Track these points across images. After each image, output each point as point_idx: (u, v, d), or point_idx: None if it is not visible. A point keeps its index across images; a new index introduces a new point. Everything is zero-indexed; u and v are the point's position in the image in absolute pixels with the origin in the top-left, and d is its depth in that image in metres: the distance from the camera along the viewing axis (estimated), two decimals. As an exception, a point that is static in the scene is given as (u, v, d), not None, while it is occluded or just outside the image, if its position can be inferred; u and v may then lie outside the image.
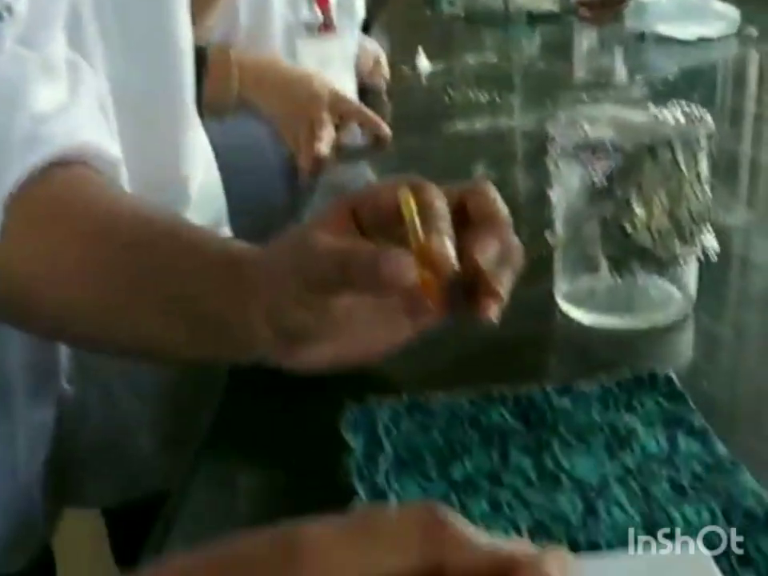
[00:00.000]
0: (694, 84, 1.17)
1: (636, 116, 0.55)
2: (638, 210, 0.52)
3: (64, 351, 0.64)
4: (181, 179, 0.70)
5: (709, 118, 0.54)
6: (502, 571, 0.24)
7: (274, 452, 0.46)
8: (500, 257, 0.47)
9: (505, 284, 0.47)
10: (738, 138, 0.97)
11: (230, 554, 0.24)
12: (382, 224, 0.45)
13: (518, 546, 0.25)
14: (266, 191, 1.02)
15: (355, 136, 0.99)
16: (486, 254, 0.44)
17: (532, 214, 0.75)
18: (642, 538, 0.38)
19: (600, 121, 0.55)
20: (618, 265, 0.54)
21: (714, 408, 0.48)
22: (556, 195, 0.57)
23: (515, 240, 0.48)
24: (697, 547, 0.37)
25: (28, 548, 0.64)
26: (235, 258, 0.51)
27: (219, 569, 0.24)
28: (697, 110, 0.55)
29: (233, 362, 0.54)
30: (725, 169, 0.87)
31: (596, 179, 0.52)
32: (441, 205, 0.44)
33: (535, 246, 0.67)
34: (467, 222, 0.46)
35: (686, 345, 0.57)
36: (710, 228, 0.55)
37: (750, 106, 1.12)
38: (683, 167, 0.52)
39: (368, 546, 0.24)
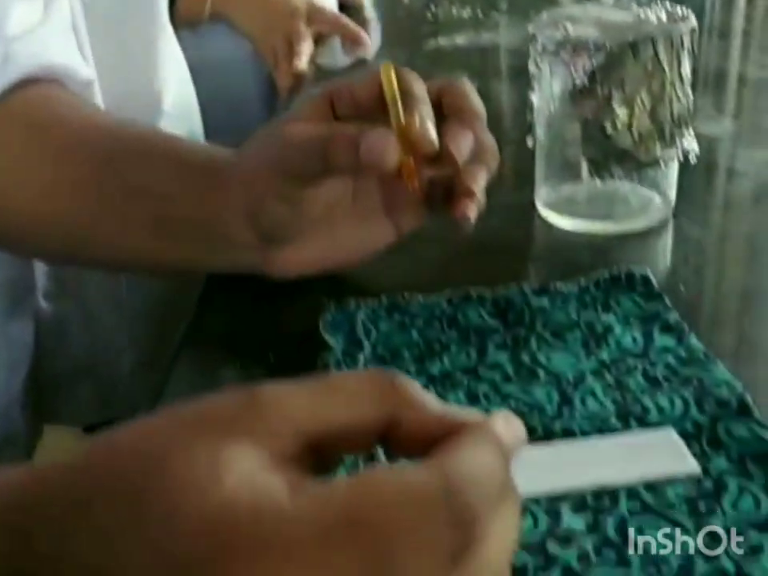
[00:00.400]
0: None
1: (619, 15, 0.54)
2: (620, 111, 0.52)
3: (40, 268, 0.64)
4: (154, 93, 0.69)
5: (692, 17, 0.53)
6: (453, 430, 0.24)
7: (252, 352, 0.47)
8: (474, 154, 0.46)
9: (479, 182, 0.47)
10: (725, 53, 0.96)
11: (194, 410, 0.24)
12: (359, 116, 0.45)
13: (470, 412, 0.26)
14: (243, 113, 1.00)
15: (335, 57, 0.97)
16: (460, 146, 0.43)
17: (514, 125, 0.75)
18: (616, 425, 0.38)
19: (582, 20, 0.54)
20: (598, 167, 0.54)
21: (691, 309, 0.48)
22: (537, 98, 0.56)
23: (490, 138, 0.48)
24: (667, 430, 0.38)
25: (9, 466, 0.65)
26: (211, 159, 0.51)
27: (184, 423, 0.24)
28: (680, 10, 0.54)
29: (212, 269, 0.53)
30: (712, 82, 0.86)
31: (577, 79, 0.52)
32: (421, 89, 0.43)
33: (516, 156, 0.66)
34: (442, 117, 0.45)
35: (664, 249, 0.57)
36: (692, 131, 0.55)
37: (739, 23, 1.11)
38: (665, 66, 0.51)
39: (325, 398, 0.24)
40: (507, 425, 0.25)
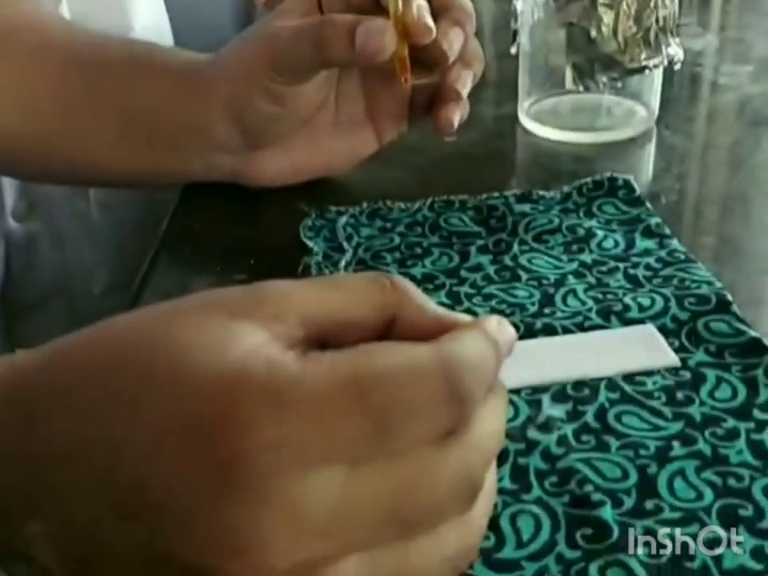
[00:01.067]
0: None
1: None
2: (605, 15, 0.51)
3: (9, 189, 0.62)
4: (125, 16, 0.67)
5: None
6: (449, 329, 0.25)
7: (230, 258, 0.46)
8: (462, 56, 0.46)
9: (465, 85, 0.46)
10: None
11: (199, 296, 0.24)
12: (350, 11, 0.44)
13: (465, 315, 0.27)
14: (217, 37, 0.97)
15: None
16: (452, 43, 0.43)
17: (497, 37, 0.74)
18: (597, 322, 0.39)
19: None
20: (583, 74, 0.53)
21: (673, 215, 0.48)
22: (521, 4, 0.55)
23: (477, 43, 0.47)
24: (647, 326, 0.38)
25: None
26: (192, 61, 0.50)
27: (192, 305, 0.24)
28: None
29: (191, 178, 0.53)
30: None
31: (562, -19, 0.51)
32: None
33: (500, 68, 0.65)
34: (433, 17, 0.45)
35: (647, 158, 0.57)
36: (677, 38, 0.54)
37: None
38: (651, -32, 0.50)
39: (329, 292, 0.25)
40: (500, 326, 0.26)
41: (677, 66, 0.54)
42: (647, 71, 0.53)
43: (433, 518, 0.23)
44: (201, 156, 0.50)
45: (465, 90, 0.47)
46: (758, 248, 0.45)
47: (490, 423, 0.25)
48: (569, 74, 0.54)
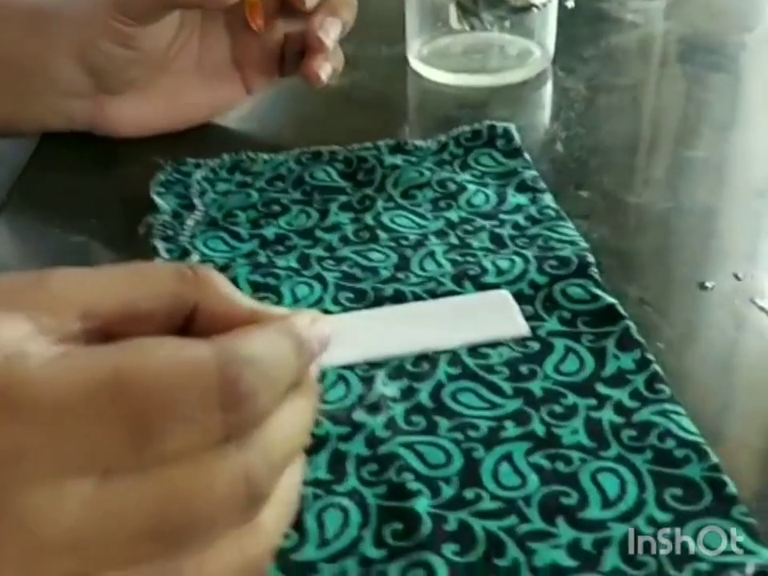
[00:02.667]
0: None
1: None
2: (485, -52, 0.47)
3: None
4: None
5: None
6: (253, 320, 0.23)
7: (73, 217, 0.43)
8: (326, 4, 0.44)
9: (330, 34, 0.44)
10: None
11: None
12: None
13: (277, 309, 0.25)
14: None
15: None
16: None
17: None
18: (450, 287, 0.36)
19: None
20: (466, 11, 0.50)
21: (560, 166, 0.46)
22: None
23: None
24: (501, 292, 0.35)
25: None
26: (39, 4, 0.46)
27: None
28: None
29: (40, 127, 0.49)
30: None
31: None
32: None
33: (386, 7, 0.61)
34: None
35: (542, 102, 0.54)
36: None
37: None
38: None
39: (121, 281, 0.23)
40: (312, 324, 0.24)
41: (569, 4, 0.51)
42: (535, 9, 0.50)
43: (206, 530, 0.21)
44: (52, 103, 0.47)
45: (329, 40, 0.44)
46: (640, 203, 0.43)
47: (287, 425, 0.23)
48: (453, 12, 0.50)
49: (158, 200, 0.42)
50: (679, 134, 0.50)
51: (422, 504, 0.27)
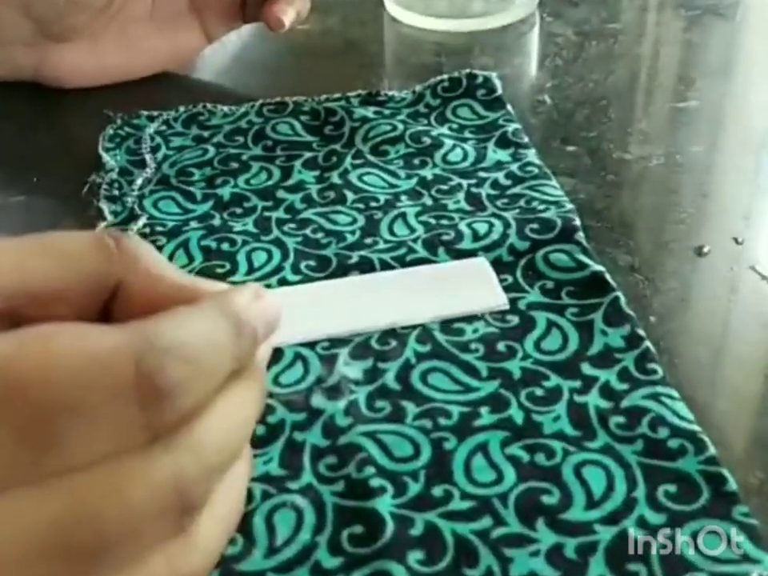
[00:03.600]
0: None
1: None
2: None
3: None
4: None
5: None
6: (186, 301, 0.20)
7: (16, 171, 0.39)
8: None
9: None
10: None
11: None
12: None
13: (214, 283, 0.21)
14: None
15: None
16: None
17: None
18: (423, 255, 0.33)
19: None
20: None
21: (545, 118, 0.42)
22: None
23: None
24: (479, 260, 0.32)
25: None
26: None
27: None
28: None
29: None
30: None
31: None
32: None
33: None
34: None
35: (526, 49, 0.50)
36: None
37: None
38: None
39: (33, 257, 0.20)
40: (255, 300, 0.21)
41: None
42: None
43: (127, 546, 0.18)
44: None
45: None
46: (631, 159, 0.39)
47: (225, 420, 0.20)
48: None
49: (105, 156, 0.38)
50: (674, 84, 0.46)
51: (385, 503, 0.24)
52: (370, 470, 0.25)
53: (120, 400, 0.18)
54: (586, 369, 0.28)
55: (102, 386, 0.17)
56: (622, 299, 0.30)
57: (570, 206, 0.34)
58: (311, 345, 0.29)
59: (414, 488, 0.24)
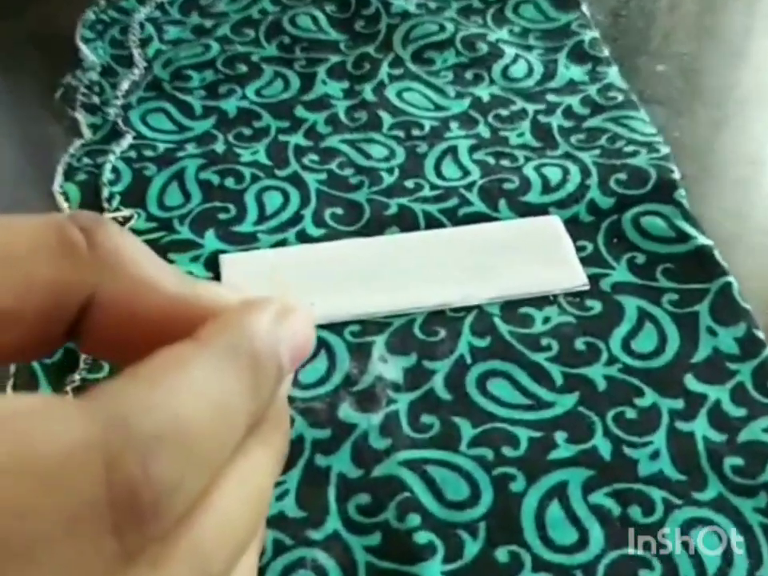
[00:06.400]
0: None
1: None
2: None
3: None
4: None
5: None
6: (180, 321, 0.13)
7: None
8: None
9: None
10: None
11: None
12: None
13: (208, 287, 0.14)
14: None
15: None
16: None
17: None
18: (478, 208, 0.26)
19: None
20: None
21: (634, 26, 0.34)
22: None
23: None
24: (549, 217, 0.25)
25: None
26: None
27: None
28: None
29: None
30: None
31: None
32: None
33: None
34: None
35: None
36: None
37: None
38: None
39: None
40: (281, 320, 0.14)
41: None
42: None
43: None
44: None
45: None
46: (739, 81, 0.32)
47: (232, 505, 0.13)
48: None
49: (84, 49, 0.31)
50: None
51: (433, 571, 0.18)
52: (415, 519, 0.19)
53: (85, 528, 0.11)
54: (691, 383, 0.22)
55: (54, 510, 0.11)
56: (735, 286, 0.24)
57: (665, 149, 0.27)
58: (338, 327, 0.23)
59: (472, 549, 0.19)
